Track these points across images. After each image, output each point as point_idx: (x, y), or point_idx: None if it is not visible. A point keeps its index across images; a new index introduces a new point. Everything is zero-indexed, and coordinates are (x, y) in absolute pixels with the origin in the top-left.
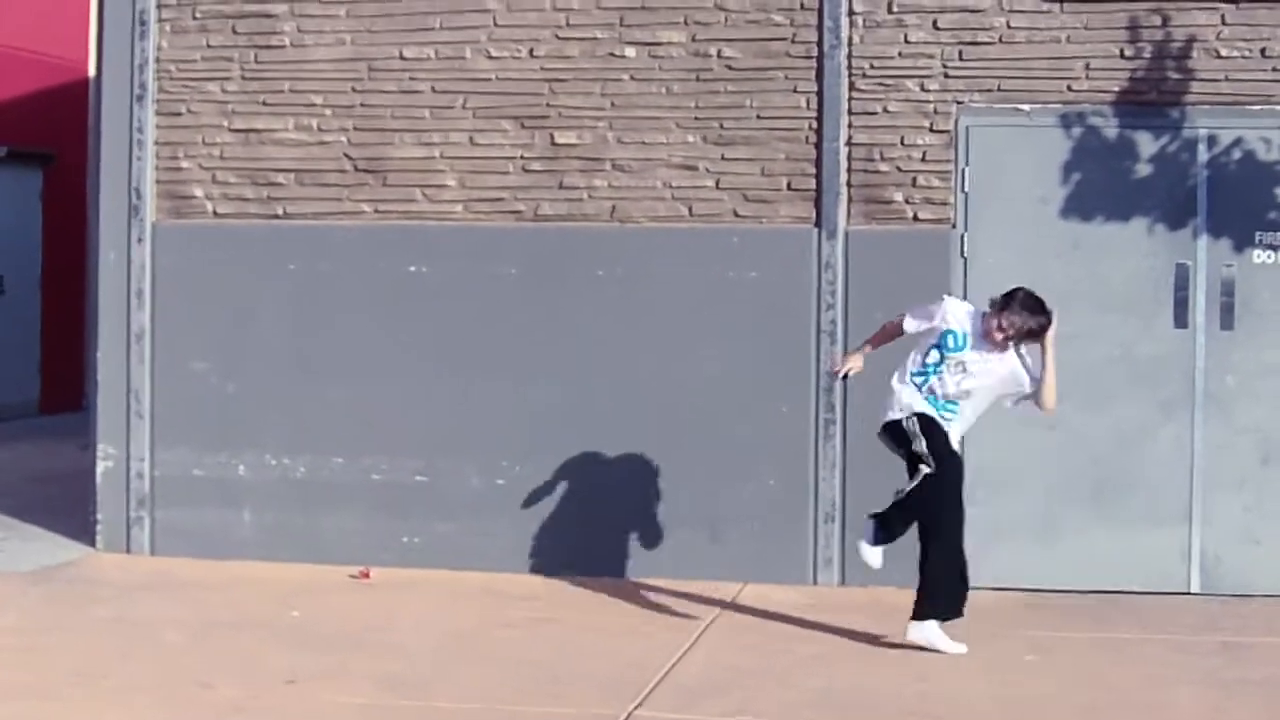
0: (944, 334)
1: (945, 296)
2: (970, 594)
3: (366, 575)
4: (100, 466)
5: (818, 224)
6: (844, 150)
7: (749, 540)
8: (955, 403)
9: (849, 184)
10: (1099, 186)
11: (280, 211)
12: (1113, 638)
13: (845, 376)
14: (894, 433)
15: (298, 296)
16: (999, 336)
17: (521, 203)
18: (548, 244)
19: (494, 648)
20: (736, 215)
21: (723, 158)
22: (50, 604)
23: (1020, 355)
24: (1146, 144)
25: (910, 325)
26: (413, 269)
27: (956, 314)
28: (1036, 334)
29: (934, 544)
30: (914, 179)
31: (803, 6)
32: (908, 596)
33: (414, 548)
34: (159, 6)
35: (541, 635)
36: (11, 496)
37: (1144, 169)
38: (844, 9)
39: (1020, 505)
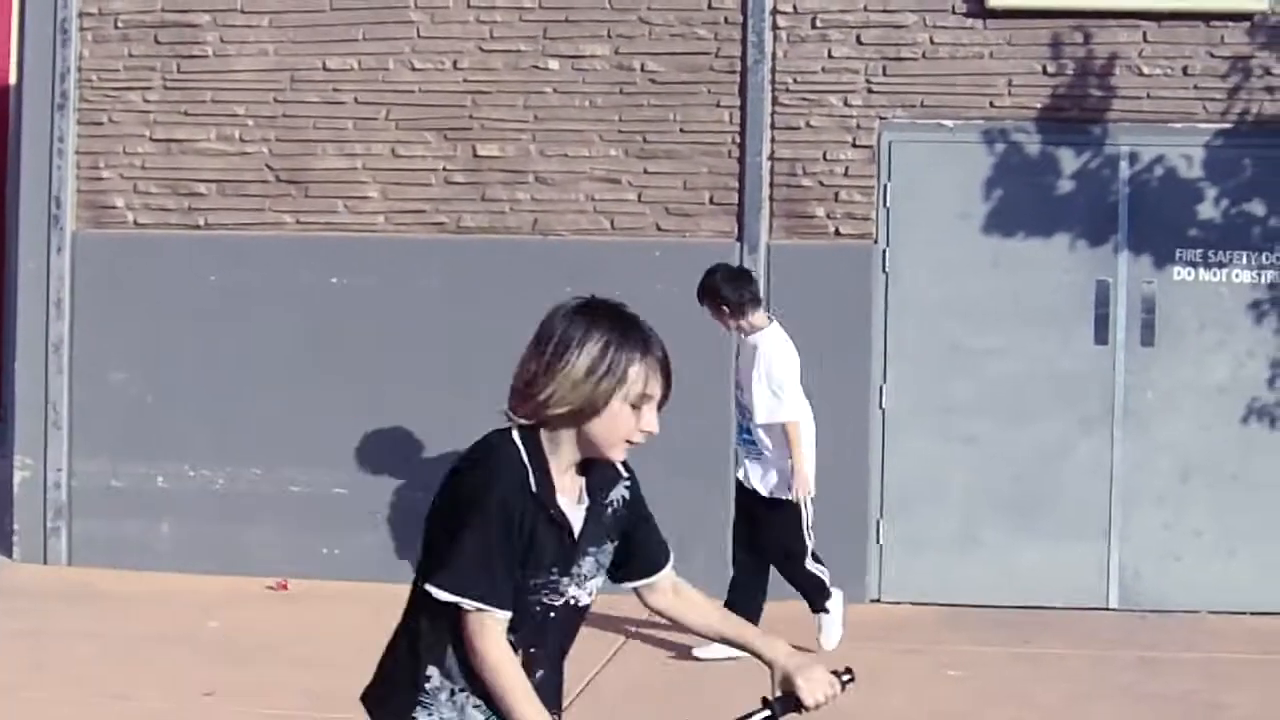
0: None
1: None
2: (890, 608)
3: (284, 587)
4: (17, 476)
5: (740, 238)
6: (766, 165)
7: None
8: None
9: (771, 198)
10: (1021, 202)
11: (202, 222)
12: (1033, 653)
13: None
14: None
15: (219, 307)
16: (718, 314)
17: (444, 215)
18: (470, 256)
19: None
20: (659, 229)
21: (645, 171)
22: None
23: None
24: (1068, 160)
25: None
26: (334, 280)
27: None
28: (705, 294)
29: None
30: (836, 194)
31: (726, 21)
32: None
33: (333, 559)
34: (81, 15)
35: None
36: None
37: (1066, 185)
38: (768, 24)
39: (939, 520)
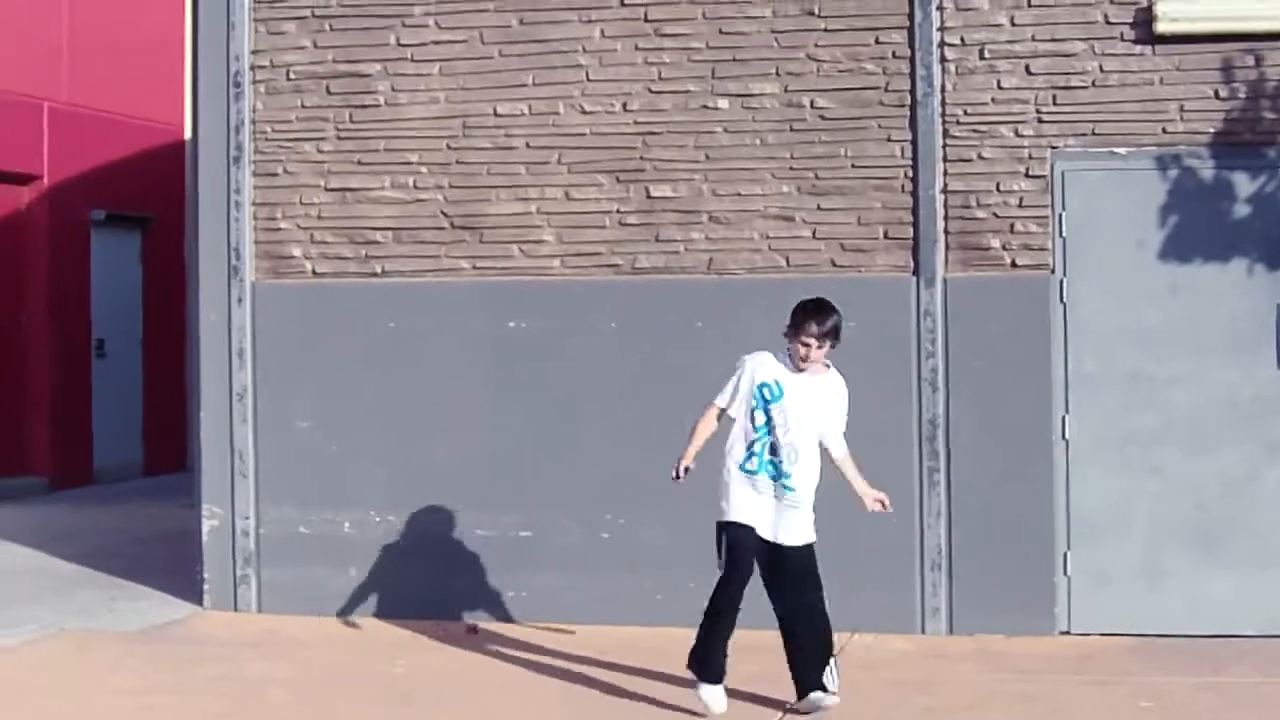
0: (759, 388)
1: (743, 358)
2: (1080, 639)
3: (474, 630)
4: (206, 525)
5: (915, 272)
6: (940, 198)
7: (856, 589)
8: (797, 451)
9: (946, 231)
10: (1196, 228)
11: (378, 270)
12: (1224, 682)
13: (679, 477)
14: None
15: (397, 354)
16: (809, 349)
17: (619, 256)
18: (645, 297)
19: (605, 697)
20: (834, 265)
21: (819, 208)
22: (159, 664)
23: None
24: (1243, 184)
25: (723, 400)
26: (511, 324)
27: (764, 364)
28: (837, 331)
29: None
30: (1011, 225)
31: (894, 55)
32: (1019, 644)
33: (519, 601)
34: (253, 69)
35: (649, 687)
36: (119, 557)
37: (1241, 209)
38: (936, 56)
39: (1126, 550)
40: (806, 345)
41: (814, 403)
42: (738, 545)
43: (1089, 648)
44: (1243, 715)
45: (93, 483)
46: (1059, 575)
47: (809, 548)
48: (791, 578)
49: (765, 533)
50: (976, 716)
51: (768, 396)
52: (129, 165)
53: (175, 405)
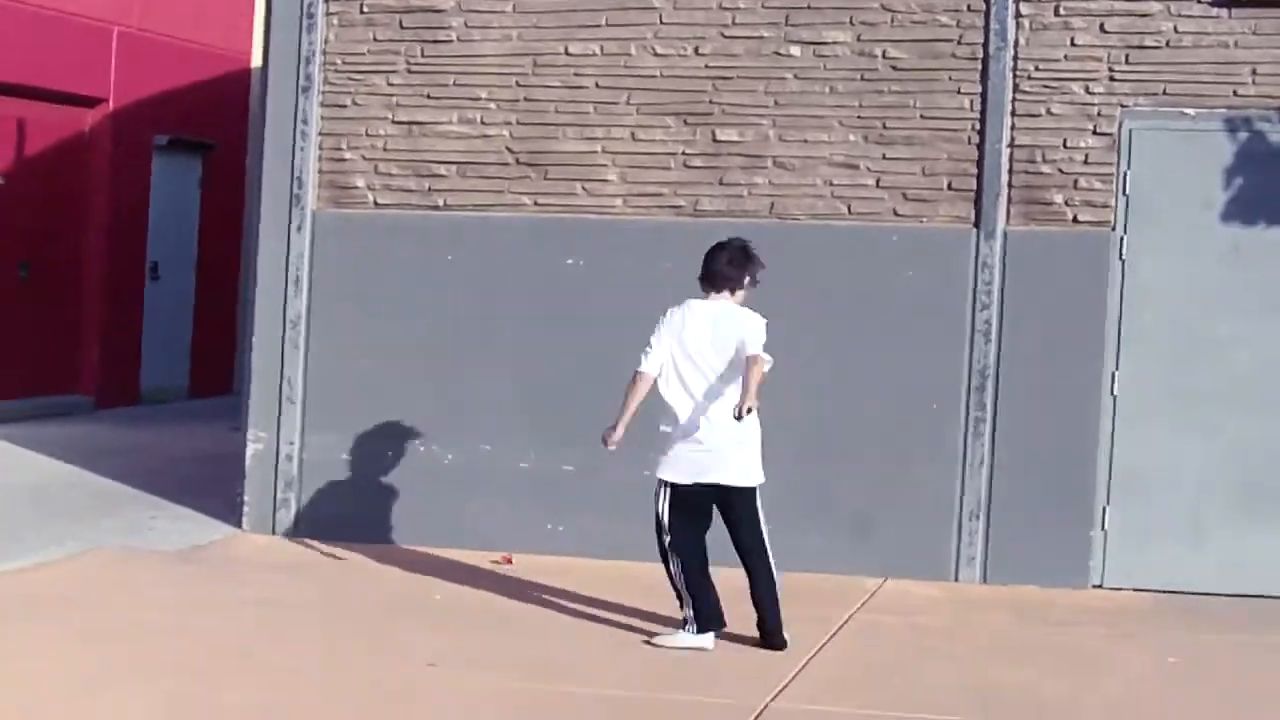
0: (682, 339)
1: (660, 318)
2: (1112, 594)
3: (509, 561)
4: (250, 449)
5: (976, 224)
6: (1006, 151)
7: (893, 536)
8: (720, 393)
9: (1010, 185)
10: (1262, 191)
11: (441, 203)
12: (1256, 641)
13: (607, 442)
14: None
15: (454, 287)
16: (751, 289)
17: (682, 198)
18: (707, 239)
19: (636, 636)
20: (896, 214)
21: (884, 157)
22: (197, 583)
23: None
24: None
25: (648, 365)
26: (571, 262)
27: (677, 313)
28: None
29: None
30: (1075, 181)
31: (969, 8)
32: (1051, 595)
33: (557, 535)
34: (326, 0)
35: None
36: (161, 476)
37: None
38: (1010, 11)
39: (1170, 507)
40: (755, 284)
41: (722, 345)
42: None
43: (1122, 602)
44: (1272, 677)
45: (139, 403)
46: (1096, 530)
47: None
48: None
49: None
50: (1002, 666)
51: (692, 341)
52: (194, 92)
53: (225, 331)
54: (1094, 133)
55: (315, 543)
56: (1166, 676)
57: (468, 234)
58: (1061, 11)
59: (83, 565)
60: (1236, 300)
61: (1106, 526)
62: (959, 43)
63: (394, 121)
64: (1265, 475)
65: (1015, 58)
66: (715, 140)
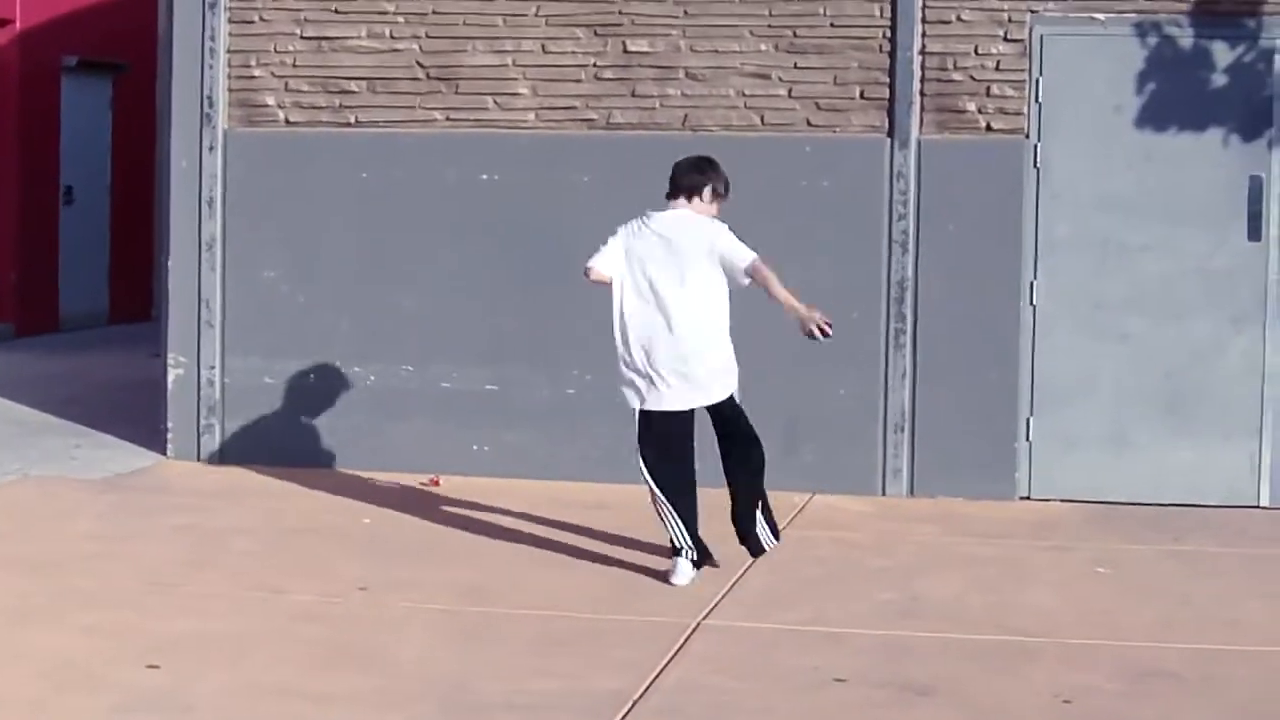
0: (632, 247)
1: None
2: (1039, 505)
3: (436, 483)
4: (171, 375)
5: (890, 133)
6: (917, 59)
7: (819, 451)
8: (683, 304)
9: (922, 93)
10: (1173, 97)
11: (352, 120)
12: (1183, 550)
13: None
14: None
15: (368, 205)
16: (716, 201)
17: (594, 111)
18: (620, 152)
19: (565, 557)
20: (809, 124)
21: (795, 66)
22: (123, 512)
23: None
24: (1222, 54)
25: (596, 261)
26: (484, 177)
27: (633, 223)
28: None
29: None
30: (987, 88)
31: None
32: (977, 508)
33: (482, 456)
34: None
35: (613, 546)
36: (83, 405)
37: (1219, 80)
38: None
39: (1090, 417)
40: (721, 198)
41: (688, 253)
42: None
43: (1050, 513)
44: (1200, 584)
45: (58, 330)
46: (1021, 441)
47: None
48: None
49: None
50: (931, 578)
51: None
52: (103, 11)
53: (142, 254)
54: (1005, 39)
55: (240, 469)
56: (1093, 585)
57: (380, 151)
58: None
59: (5, 496)
60: (1148, 207)
61: (1031, 437)
62: None
63: (302, 37)
64: (1180, 382)
65: None
66: (626, 51)
